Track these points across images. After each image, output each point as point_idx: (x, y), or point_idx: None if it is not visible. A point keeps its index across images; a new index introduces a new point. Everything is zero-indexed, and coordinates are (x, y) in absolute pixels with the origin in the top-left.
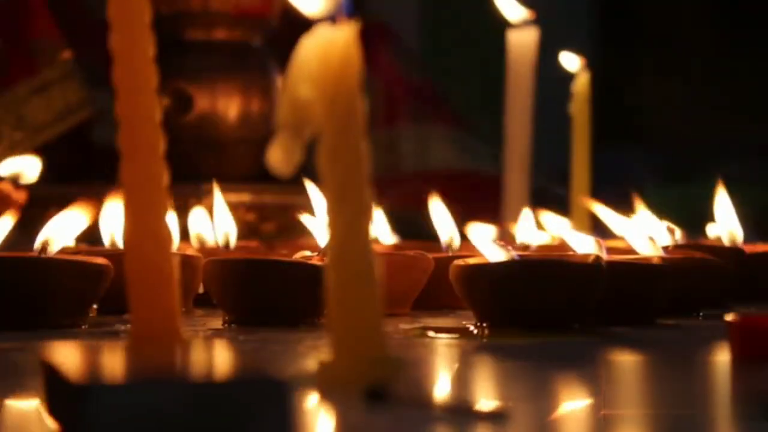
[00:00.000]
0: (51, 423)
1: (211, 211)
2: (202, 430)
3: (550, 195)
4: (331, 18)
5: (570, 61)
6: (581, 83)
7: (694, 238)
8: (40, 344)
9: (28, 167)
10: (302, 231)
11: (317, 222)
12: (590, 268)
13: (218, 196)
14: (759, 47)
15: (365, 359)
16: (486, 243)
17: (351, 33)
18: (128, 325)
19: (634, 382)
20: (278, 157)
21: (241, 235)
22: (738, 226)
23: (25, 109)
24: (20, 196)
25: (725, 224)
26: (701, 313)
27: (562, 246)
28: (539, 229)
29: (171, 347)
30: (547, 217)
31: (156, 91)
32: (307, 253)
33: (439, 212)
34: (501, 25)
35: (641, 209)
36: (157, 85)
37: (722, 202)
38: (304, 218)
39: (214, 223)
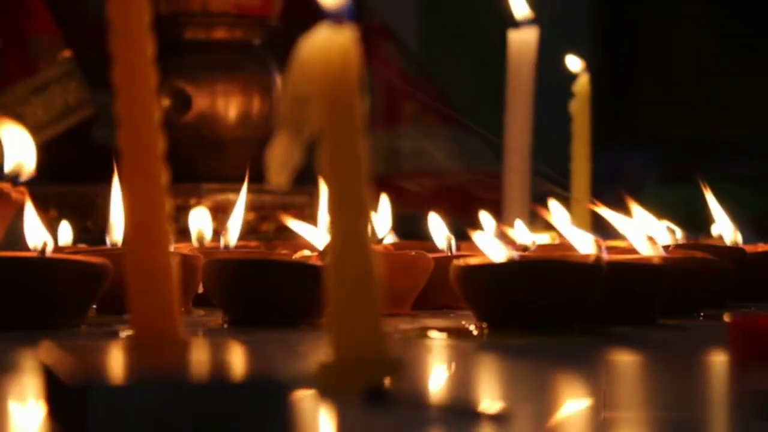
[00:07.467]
0: (51, 424)
1: (211, 210)
2: (202, 431)
3: (550, 194)
4: (339, 13)
5: (573, 62)
6: (581, 83)
7: (694, 238)
8: (39, 344)
9: (25, 164)
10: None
11: (304, 226)
12: (590, 268)
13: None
14: (758, 47)
15: (365, 359)
16: (489, 243)
17: (351, 33)
18: (127, 326)
19: (634, 382)
20: (278, 157)
21: (241, 235)
22: (732, 226)
23: (24, 108)
24: (20, 196)
25: (724, 224)
26: (701, 313)
27: (562, 246)
28: (543, 222)
29: (170, 348)
30: (553, 206)
31: (155, 91)
32: (307, 253)
33: (434, 219)
34: (501, 24)
35: (640, 209)
36: (157, 85)
37: (715, 204)
38: (292, 223)
39: (229, 221)
